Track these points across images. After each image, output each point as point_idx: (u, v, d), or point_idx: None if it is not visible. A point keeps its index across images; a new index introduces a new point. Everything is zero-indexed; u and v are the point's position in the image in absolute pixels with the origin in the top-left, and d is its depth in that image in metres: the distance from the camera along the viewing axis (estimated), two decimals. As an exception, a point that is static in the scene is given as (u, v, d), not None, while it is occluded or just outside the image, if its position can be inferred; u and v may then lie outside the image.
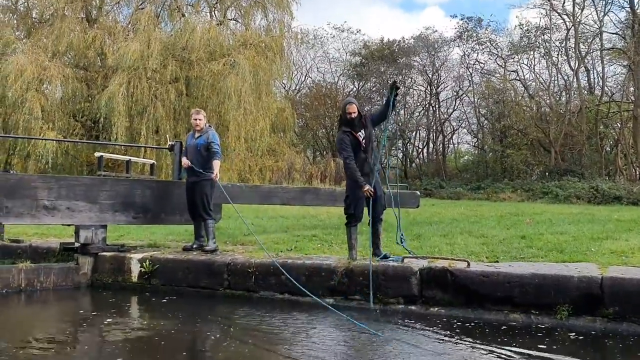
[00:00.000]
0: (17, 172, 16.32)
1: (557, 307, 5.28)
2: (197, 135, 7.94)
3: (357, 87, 40.59)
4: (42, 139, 19.38)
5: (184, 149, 8.29)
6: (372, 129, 6.85)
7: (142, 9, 25.06)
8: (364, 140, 6.69)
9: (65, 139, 20.64)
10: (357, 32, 40.93)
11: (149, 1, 25.45)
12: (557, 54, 34.16)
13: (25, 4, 25.51)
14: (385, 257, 6.55)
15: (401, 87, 36.37)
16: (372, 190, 6.50)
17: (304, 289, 6.05)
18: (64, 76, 21.59)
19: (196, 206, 7.79)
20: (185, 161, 7.85)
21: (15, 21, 25.28)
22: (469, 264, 5.91)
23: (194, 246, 7.80)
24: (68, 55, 24.10)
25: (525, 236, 8.28)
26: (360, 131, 6.70)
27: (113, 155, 15.72)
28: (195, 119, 7.95)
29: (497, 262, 6.29)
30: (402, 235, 6.78)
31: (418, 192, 14.11)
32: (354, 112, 6.69)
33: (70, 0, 23.35)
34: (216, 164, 7.81)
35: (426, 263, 6.16)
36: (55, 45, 22.13)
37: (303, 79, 42.13)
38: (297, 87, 41.84)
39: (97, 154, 11.24)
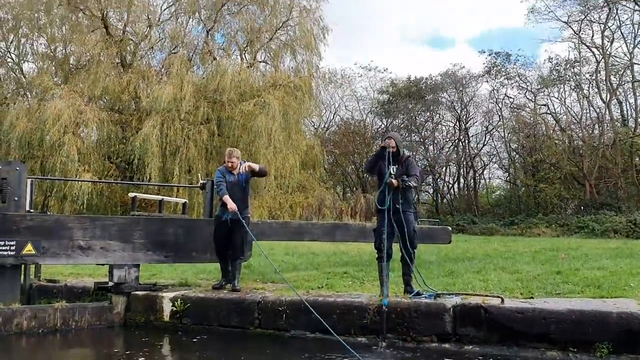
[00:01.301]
0: (54, 213, 16.72)
1: (596, 344, 5.11)
2: (235, 172, 7.82)
3: (385, 124, 40.78)
4: (78, 181, 19.87)
5: (219, 180, 7.80)
6: (403, 170, 6.76)
7: (174, 53, 25.84)
8: (392, 176, 6.66)
9: (100, 180, 21.12)
10: (384, 70, 41.53)
11: (182, 46, 26.26)
12: (588, 87, 33.95)
13: (63, 51, 26.60)
14: (418, 294, 6.47)
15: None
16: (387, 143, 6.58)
17: (331, 331, 5.98)
18: (100, 119, 22.24)
19: (234, 244, 7.73)
20: (232, 206, 7.51)
21: (53, 68, 26.32)
22: (503, 300, 5.80)
23: (223, 284, 7.81)
24: (103, 99, 24.89)
25: (561, 272, 8.08)
26: (392, 166, 6.69)
27: (146, 195, 15.99)
28: (231, 162, 7.74)
29: (532, 298, 6.15)
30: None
31: (449, 228, 13.96)
32: (393, 147, 6.71)
33: (106, 46, 24.21)
34: (255, 166, 7.98)
35: (459, 300, 6.05)
36: (91, 89, 22.89)
37: (332, 116, 42.63)
38: (326, 125, 42.28)
39: (130, 195, 11.47)
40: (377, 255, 6.72)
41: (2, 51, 25.78)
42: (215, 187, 8.06)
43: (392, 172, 6.67)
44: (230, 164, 7.78)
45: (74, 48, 25.54)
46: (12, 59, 26.36)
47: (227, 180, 7.78)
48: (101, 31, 24.86)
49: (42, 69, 25.94)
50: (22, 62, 26.52)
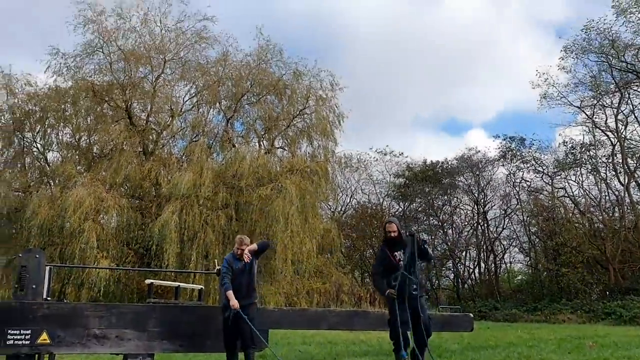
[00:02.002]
0: (70, 301, 16.66)
1: None
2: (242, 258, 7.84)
3: (402, 207, 40.81)
4: (95, 268, 19.87)
5: (224, 271, 7.74)
6: (414, 252, 6.69)
7: (195, 141, 26.53)
8: (401, 262, 6.60)
9: (117, 267, 21.13)
10: (400, 154, 42.00)
11: (202, 134, 27.00)
12: (605, 170, 33.93)
13: (87, 140, 27.45)
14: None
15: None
16: (394, 292, 6.39)
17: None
18: (120, 206, 22.55)
19: (242, 334, 7.56)
20: (234, 303, 7.43)
21: (77, 156, 27.06)
22: (529, 393, 5.55)
23: None
24: (125, 186, 25.34)
25: (589, 361, 7.77)
26: (398, 251, 6.63)
27: (163, 282, 15.94)
28: (241, 249, 7.76)
29: (560, 390, 5.89)
30: None
31: (471, 315, 13.61)
32: (394, 232, 6.70)
33: (129, 135, 24.96)
34: (254, 246, 7.94)
35: (483, 392, 5.82)
36: (113, 177, 23.38)
37: (348, 200, 42.84)
38: (343, 209, 42.41)
39: (147, 281, 11.43)
40: (394, 347, 6.55)
41: (29, 141, 26.65)
42: (220, 278, 8.01)
43: (400, 258, 6.62)
44: (239, 251, 7.82)
45: (98, 137, 26.34)
46: (38, 149, 27.18)
47: (235, 268, 7.77)
48: (125, 121, 25.72)
49: (66, 157, 26.65)
50: (47, 151, 27.33)
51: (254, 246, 7.93)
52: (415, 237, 6.60)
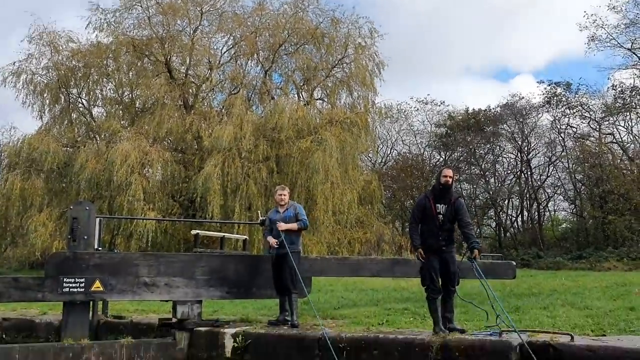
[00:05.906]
0: (121, 251, 17.30)
1: (676, 386, 4.81)
2: (282, 210, 8.15)
3: (444, 157, 40.33)
4: (143, 219, 20.48)
5: (267, 225, 8.39)
6: (452, 212, 6.62)
7: (234, 94, 26.58)
8: (440, 215, 6.56)
9: (164, 219, 21.72)
10: (441, 103, 41.18)
11: (241, 86, 27.00)
12: (657, 114, 32.56)
13: (130, 95, 27.83)
14: (462, 331, 6.42)
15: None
16: (422, 254, 6.48)
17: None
18: (164, 160, 22.99)
19: (283, 279, 7.86)
20: (272, 240, 7.97)
21: (121, 111, 27.56)
22: (572, 338, 5.56)
23: (279, 319, 7.86)
24: (167, 140, 25.75)
25: (635, 307, 7.69)
26: (440, 203, 6.59)
27: (208, 232, 16.36)
28: (281, 194, 8.24)
29: (604, 335, 5.88)
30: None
31: (513, 262, 13.55)
32: (449, 177, 6.60)
33: (170, 89, 25.18)
34: (293, 226, 7.96)
35: (526, 337, 5.84)
36: (156, 131, 23.74)
37: (389, 151, 42.56)
38: (383, 160, 42.21)
39: (193, 232, 11.79)
40: (427, 294, 6.64)
41: (74, 97, 27.11)
42: None
43: (441, 211, 6.58)
44: (279, 197, 8.24)
45: (140, 92, 26.65)
46: (83, 104, 27.69)
47: (272, 219, 8.15)
48: (165, 75, 25.92)
49: (110, 112, 27.15)
50: (92, 107, 27.82)
51: (294, 226, 8.01)
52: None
